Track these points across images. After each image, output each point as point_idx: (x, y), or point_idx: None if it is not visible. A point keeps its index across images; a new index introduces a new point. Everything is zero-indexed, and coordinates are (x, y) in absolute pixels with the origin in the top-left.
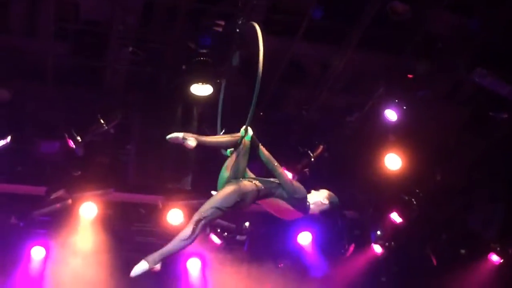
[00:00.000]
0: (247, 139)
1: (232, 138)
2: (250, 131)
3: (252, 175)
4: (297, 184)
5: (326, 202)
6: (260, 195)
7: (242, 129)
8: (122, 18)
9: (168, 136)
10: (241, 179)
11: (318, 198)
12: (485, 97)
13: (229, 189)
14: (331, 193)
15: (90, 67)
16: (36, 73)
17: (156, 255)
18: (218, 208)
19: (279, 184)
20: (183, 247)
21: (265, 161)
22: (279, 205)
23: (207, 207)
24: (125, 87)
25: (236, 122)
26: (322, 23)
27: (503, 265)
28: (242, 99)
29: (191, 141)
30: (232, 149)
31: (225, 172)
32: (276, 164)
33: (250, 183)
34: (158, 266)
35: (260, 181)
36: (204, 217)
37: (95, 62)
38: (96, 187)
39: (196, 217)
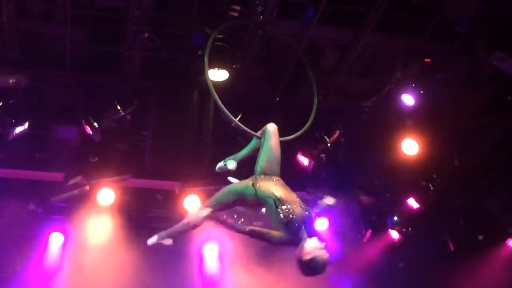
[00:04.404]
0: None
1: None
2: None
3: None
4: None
5: (308, 257)
6: (261, 205)
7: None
8: (138, 2)
9: (216, 169)
10: (259, 179)
11: (309, 248)
12: (503, 80)
13: (231, 187)
14: (324, 253)
15: (107, 53)
16: (54, 59)
17: (164, 232)
18: (219, 202)
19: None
20: (187, 231)
21: None
22: None
23: (212, 199)
24: (141, 73)
25: (251, 105)
26: (339, 6)
27: None
28: (258, 83)
29: (230, 164)
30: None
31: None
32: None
33: (251, 191)
34: (169, 241)
35: (264, 195)
36: (209, 208)
37: (112, 48)
38: (113, 173)
39: (202, 207)
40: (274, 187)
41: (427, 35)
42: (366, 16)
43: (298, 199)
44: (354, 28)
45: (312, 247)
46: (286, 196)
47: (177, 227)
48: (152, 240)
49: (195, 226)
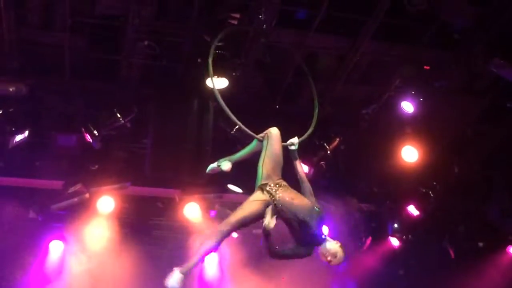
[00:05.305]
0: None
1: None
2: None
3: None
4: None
5: (329, 258)
6: (281, 217)
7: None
8: (138, 11)
9: (207, 171)
10: (277, 193)
11: (327, 250)
12: (502, 87)
13: (255, 208)
14: (341, 253)
15: (106, 61)
16: (53, 67)
17: (188, 265)
18: (241, 224)
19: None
20: (208, 254)
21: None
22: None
23: (232, 220)
24: (141, 81)
25: (251, 113)
26: (337, 15)
27: None
28: (256, 91)
29: (225, 165)
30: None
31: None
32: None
33: (271, 209)
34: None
35: (285, 205)
36: (228, 230)
37: (111, 56)
38: (113, 181)
39: (221, 227)
40: (292, 202)
41: (425, 43)
42: (364, 24)
43: (309, 202)
44: (352, 36)
45: (334, 248)
46: (300, 203)
47: (195, 258)
48: (176, 281)
49: (211, 250)
